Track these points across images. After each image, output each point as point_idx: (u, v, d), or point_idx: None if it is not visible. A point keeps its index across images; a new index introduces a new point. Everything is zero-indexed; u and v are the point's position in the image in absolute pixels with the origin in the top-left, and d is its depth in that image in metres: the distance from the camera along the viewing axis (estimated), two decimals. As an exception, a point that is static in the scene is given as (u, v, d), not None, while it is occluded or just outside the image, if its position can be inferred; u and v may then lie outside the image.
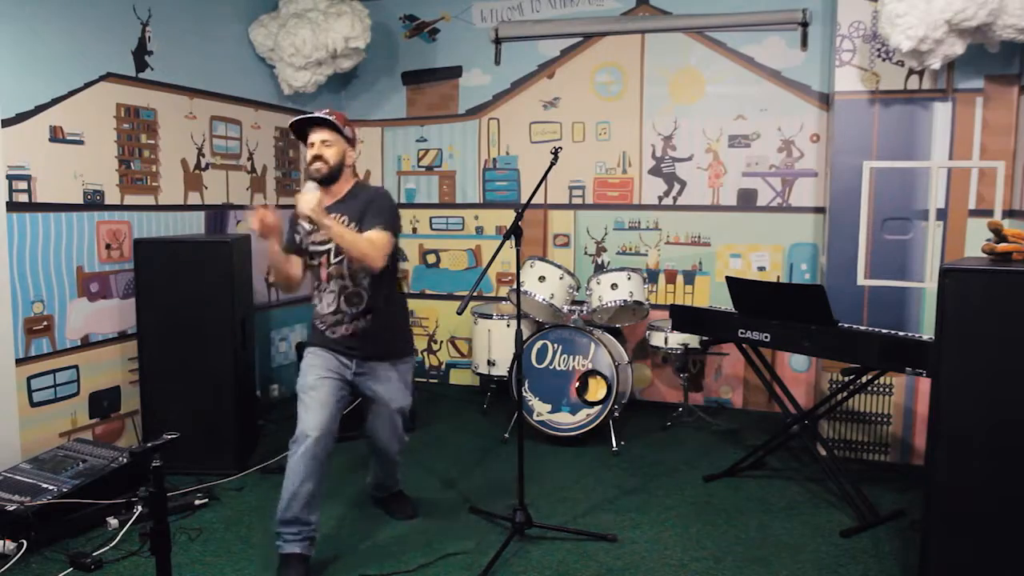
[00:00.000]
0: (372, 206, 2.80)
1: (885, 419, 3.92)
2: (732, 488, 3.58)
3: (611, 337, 4.31)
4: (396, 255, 2.90)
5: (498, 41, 5.18)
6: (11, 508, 2.84)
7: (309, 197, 2.59)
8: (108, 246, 3.79)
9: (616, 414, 4.13)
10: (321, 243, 2.83)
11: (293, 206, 2.75)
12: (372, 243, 2.68)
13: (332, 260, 2.83)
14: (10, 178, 3.29)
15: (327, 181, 2.82)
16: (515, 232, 2.90)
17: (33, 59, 3.37)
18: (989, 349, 2.34)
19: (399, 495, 3.34)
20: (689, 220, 4.92)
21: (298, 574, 2.67)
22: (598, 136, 5.05)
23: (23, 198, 3.35)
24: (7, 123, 3.27)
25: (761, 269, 4.80)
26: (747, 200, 4.80)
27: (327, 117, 2.81)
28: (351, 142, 2.90)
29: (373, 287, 2.85)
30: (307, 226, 2.82)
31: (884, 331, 3.15)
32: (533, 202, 3.26)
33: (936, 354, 2.43)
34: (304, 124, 2.85)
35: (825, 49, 4.51)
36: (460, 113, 5.35)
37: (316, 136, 2.83)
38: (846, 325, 3.26)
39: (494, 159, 5.31)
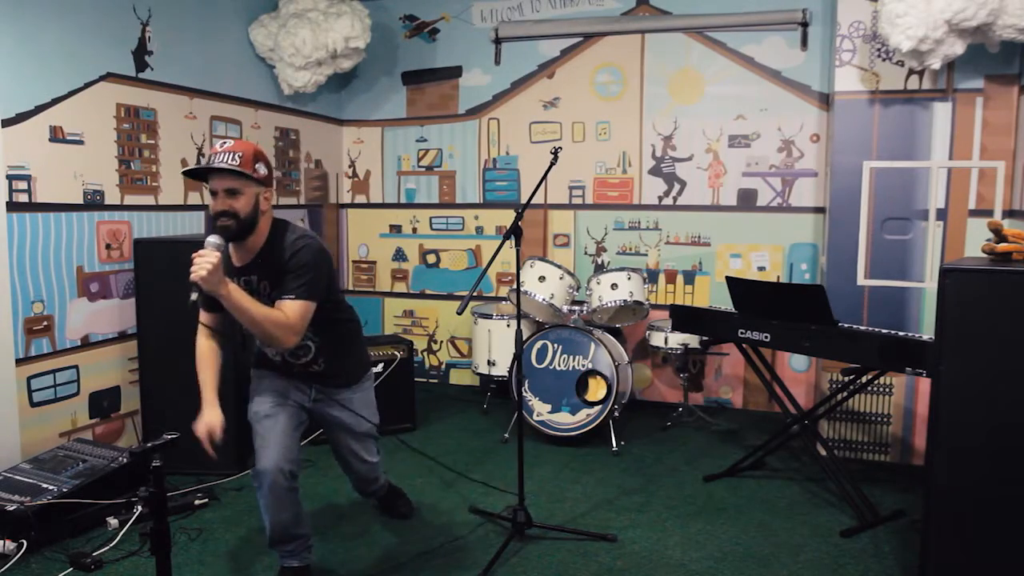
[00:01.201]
0: (288, 267, 2.40)
1: (885, 419, 3.92)
2: (732, 488, 3.58)
3: (611, 337, 4.31)
4: (331, 293, 2.60)
5: (498, 41, 5.18)
6: (11, 508, 2.84)
7: (204, 262, 2.18)
8: (108, 246, 3.79)
9: (616, 414, 4.13)
10: None
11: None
12: (279, 323, 2.33)
13: None
14: (10, 178, 3.29)
15: (240, 235, 2.39)
16: (515, 232, 2.90)
17: (33, 59, 3.37)
18: (989, 349, 2.34)
19: (392, 492, 3.25)
20: (689, 220, 4.92)
21: None
22: (598, 136, 5.05)
23: (23, 198, 3.35)
24: (7, 123, 3.27)
25: (761, 269, 4.80)
26: (747, 200, 4.80)
27: (228, 167, 2.32)
28: (266, 181, 2.42)
29: (318, 334, 2.59)
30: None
31: (884, 331, 3.15)
32: (533, 202, 3.26)
33: (936, 354, 2.43)
34: (202, 170, 2.40)
35: (825, 49, 4.51)
36: (460, 113, 5.35)
37: (218, 184, 2.35)
38: (846, 325, 3.26)
39: (494, 159, 5.31)
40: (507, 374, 4.52)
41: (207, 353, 2.62)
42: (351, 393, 2.80)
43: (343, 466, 3.00)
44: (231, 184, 2.34)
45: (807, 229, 4.69)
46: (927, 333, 3.41)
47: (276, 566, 2.72)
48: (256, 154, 2.40)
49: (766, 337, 3.38)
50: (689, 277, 4.96)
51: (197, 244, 3.69)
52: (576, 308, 4.35)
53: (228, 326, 2.64)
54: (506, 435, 4.27)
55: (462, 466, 3.87)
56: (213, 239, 2.29)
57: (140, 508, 3.10)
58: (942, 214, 3.82)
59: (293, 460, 2.54)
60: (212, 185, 2.37)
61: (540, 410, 4.14)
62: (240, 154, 2.35)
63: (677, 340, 4.39)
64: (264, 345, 2.63)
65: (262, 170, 2.41)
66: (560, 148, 3.16)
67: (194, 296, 2.21)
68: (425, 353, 5.60)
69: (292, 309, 2.37)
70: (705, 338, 3.99)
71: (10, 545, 2.81)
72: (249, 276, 2.49)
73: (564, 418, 4.10)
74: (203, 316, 2.63)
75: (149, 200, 4.02)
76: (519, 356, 3.27)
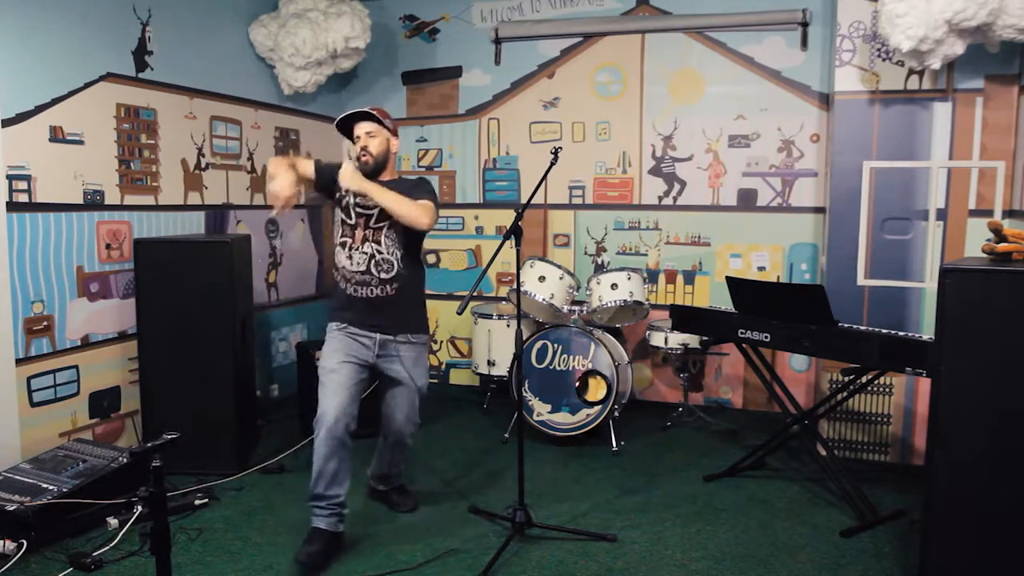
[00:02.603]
0: (416, 188, 2.98)
1: (885, 419, 3.92)
2: (732, 488, 3.58)
3: (611, 337, 4.31)
4: (423, 234, 3.03)
5: (498, 41, 5.18)
6: (11, 508, 2.84)
7: (347, 170, 2.88)
8: (108, 246, 3.79)
9: (616, 414, 4.13)
10: (366, 207, 2.92)
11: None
12: (419, 205, 2.85)
13: (372, 224, 2.94)
14: (10, 178, 3.29)
15: (374, 172, 2.96)
16: (515, 232, 2.91)
17: (33, 59, 3.36)
18: (989, 349, 2.34)
19: (400, 488, 3.39)
20: (689, 220, 4.92)
21: (319, 547, 2.80)
22: (598, 136, 5.05)
23: (23, 198, 3.35)
24: (7, 123, 3.26)
25: (761, 269, 4.80)
26: (747, 200, 4.80)
27: (368, 111, 2.98)
28: (394, 131, 3.05)
29: (404, 258, 2.97)
30: (354, 196, 2.94)
31: (884, 331, 3.15)
32: (533, 202, 3.26)
33: (936, 354, 2.43)
34: (348, 120, 3.00)
35: (825, 49, 4.51)
36: (460, 113, 5.35)
37: (360, 129, 2.98)
38: (846, 325, 3.26)
39: (494, 159, 5.31)
40: (507, 374, 4.52)
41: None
42: (410, 348, 3.06)
43: (390, 423, 3.17)
44: (370, 128, 2.96)
45: (807, 229, 4.69)
46: (927, 333, 3.40)
47: (274, 564, 2.72)
48: (387, 114, 3.05)
49: (766, 337, 3.38)
50: (689, 277, 4.96)
51: (197, 244, 3.73)
52: (576, 308, 4.35)
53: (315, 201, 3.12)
54: (506, 435, 4.27)
55: (462, 466, 3.88)
56: (346, 163, 2.94)
57: (140, 508, 3.10)
58: (942, 214, 3.81)
59: (351, 412, 2.87)
60: (356, 130, 2.98)
61: (540, 410, 4.14)
62: (376, 110, 3.00)
63: (677, 340, 4.39)
64: (356, 260, 2.95)
65: (390, 124, 3.03)
66: (560, 148, 3.16)
67: (344, 194, 2.94)
68: (425, 353, 5.60)
69: (425, 202, 2.90)
70: (705, 338, 3.99)
71: (10, 545, 2.81)
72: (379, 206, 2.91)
73: (564, 418, 4.10)
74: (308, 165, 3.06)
75: (149, 200, 4.02)
76: (519, 356, 3.27)
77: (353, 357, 2.94)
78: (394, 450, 3.25)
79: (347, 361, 2.92)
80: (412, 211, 2.83)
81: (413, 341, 3.07)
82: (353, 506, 3.37)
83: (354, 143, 3.01)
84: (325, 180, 2.99)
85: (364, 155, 2.96)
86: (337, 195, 2.99)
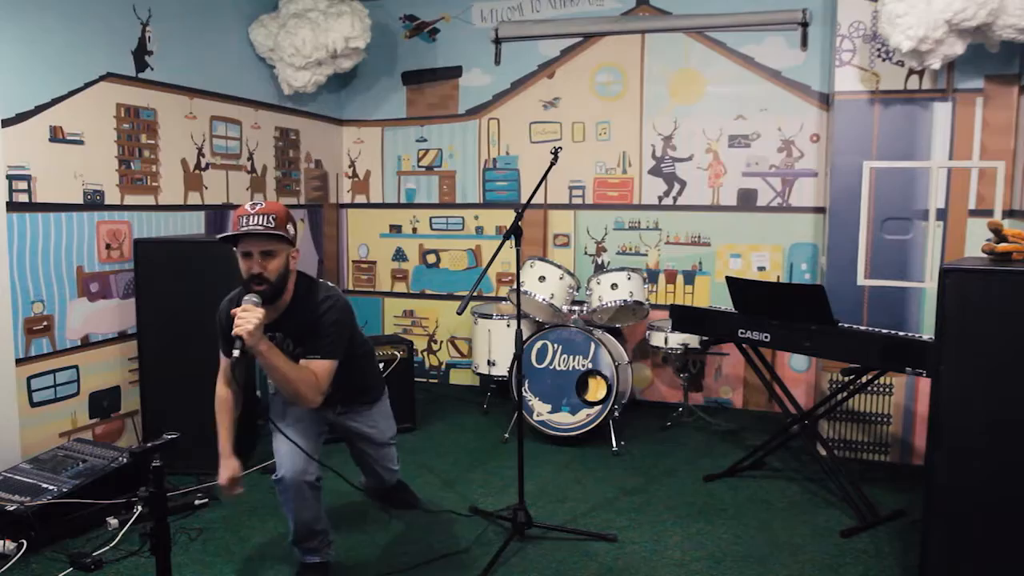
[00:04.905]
0: (317, 328, 2.46)
1: (885, 419, 3.92)
2: (732, 488, 3.58)
3: (611, 337, 4.31)
4: (353, 347, 2.65)
5: (498, 41, 5.18)
6: (11, 508, 2.84)
7: (250, 317, 2.22)
8: (108, 246, 3.79)
9: (616, 414, 4.13)
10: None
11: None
12: (308, 383, 2.39)
13: None
14: (10, 178, 3.29)
15: (272, 299, 2.42)
16: (515, 232, 2.90)
17: (33, 59, 3.37)
18: (989, 349, 2.34)
19: (398, 486, 3.32)
20: (689, 220, 4.92)
21: None
22: (598, 136, 5.05)
23: (23, 198, 3.35)
24: (7, 123, 3.26)
25: (761, 269, 4.80)
26: (747, 200, 4.80)
27: (267, 231, 2.34)
28: (294, 240, 2.47)
29: (335, 383, 2.56)
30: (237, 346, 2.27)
31: (884, 331, 3.15)
32: (533, 202, 3.26)
33: (936, 354, 2.43)
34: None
35: (825, 49, 4.51)
36: (460, 113, 5.35)
37: (253, 247, 2.36)
38: (846, 325, 3.26)
39: (494, 159, 5.31)
40: (507, 374, 4.52)
41: (224, 402, 2.67)
42: (370, 409, 2.92)
43: (366, 473, 3.14)
44: (267, 246, 2.37)
45: (807, 229, 4.69)
46: (927, 333, 3.41)
47: (274, 564, 2.72)
48: (288, 215, 2.44)
49: (766, 337, 3.38)
50: (689, 277, 4.96)
51: (197, 244, 3.74)
52: (576, 308, 4.35)
53: (243, 374, 2.67)
54: (506, 435, 4.27)
55: (462, 466, 3.88)
56: (252, 297, 2.31)
57: (140, 508, 3.10)
58: (942, 214, 3.81)
59: (316, 465, 2.59)
60: (246, 247, 2.37)
61: (540, 410, 4.14)
62: (274, 216, 2.37)
63: (677, 340, 4.39)
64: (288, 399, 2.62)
65: (292, 231, 2.45)
66: (560, 148, 3.16)
67: (236, 352, 2.23)
68: (425, 353, 5.60)
69: (319, 368, 2.44)
70: (705, 338, 3.99)
71: (10, 545, 2.81)
72: (274, 333, 2.48)
73: (564, 418, 4.10)
74: (223, 362, 2.66)
75: (149, 200, 4.02)
76: (519, 356, 3.27)
77: (312, 411, 2.64)
78: (383, 485, 3.20)
79: (303, 411, 2.63)
80: (298, 391, 2.36)
81: (372, 405, 2.92)
82: (353, 506, 3.37)
83: (241, 258, 2.38)
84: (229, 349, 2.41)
85: (259, 285, 2.35)
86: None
